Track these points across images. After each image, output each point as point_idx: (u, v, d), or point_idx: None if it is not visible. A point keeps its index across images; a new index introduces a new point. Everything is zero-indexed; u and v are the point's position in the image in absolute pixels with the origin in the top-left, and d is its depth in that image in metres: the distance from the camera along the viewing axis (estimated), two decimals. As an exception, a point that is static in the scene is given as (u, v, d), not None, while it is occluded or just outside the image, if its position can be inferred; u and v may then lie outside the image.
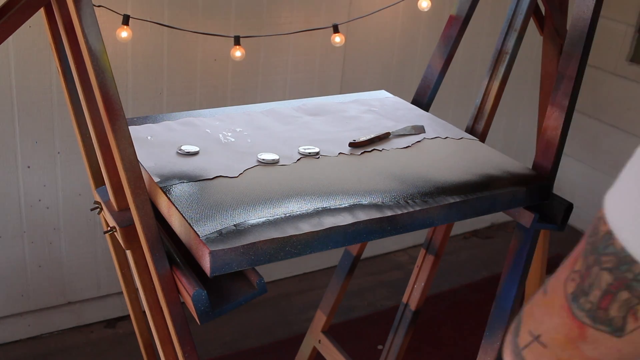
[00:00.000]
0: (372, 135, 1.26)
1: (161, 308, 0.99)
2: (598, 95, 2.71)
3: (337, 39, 2.02)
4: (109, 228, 1.04)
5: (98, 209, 1.09)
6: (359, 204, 1.02)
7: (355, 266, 1.57)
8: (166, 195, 0.99)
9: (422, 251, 1.48)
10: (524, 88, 2.65)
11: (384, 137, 1.28)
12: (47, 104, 1.83)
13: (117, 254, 1.22)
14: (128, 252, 1.03)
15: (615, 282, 0.49)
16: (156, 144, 1.16)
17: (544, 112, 1.51)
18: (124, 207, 0.99)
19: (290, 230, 0.93)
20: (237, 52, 1.90)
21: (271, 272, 2.40)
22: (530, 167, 1.25)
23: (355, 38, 2.23)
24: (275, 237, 0.91)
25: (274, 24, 2.06)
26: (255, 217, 0.95)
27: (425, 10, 2.21)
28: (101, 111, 0.89)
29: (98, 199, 1.09)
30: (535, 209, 1.21)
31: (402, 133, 1.31)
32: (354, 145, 1.23)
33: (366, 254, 2.50)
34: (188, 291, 0.91)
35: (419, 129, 1.30)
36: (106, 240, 1.66)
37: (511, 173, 1.19)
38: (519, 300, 1.27)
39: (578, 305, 0.51)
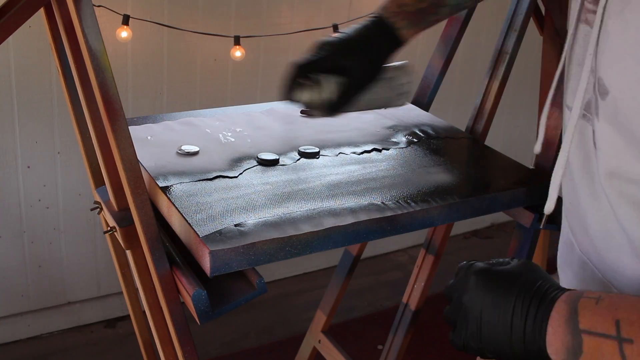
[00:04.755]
0: None
1: (161, 308, 0.99)
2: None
3: (337, 39, 2.02)
4: (109, 228, 1.04)
5: (98, 209, 1.09)
6: (359, 204, 1.02)
7: (355, 266, 1.57)
8: (166, 195, 0.99)
9: (422, 251, 1.48)
10: (524, 88, 2.65)
11: None
12: (47, 104, 1.83)
13: (117, 254, 1.22)
14: (128, 252, 1.03)
15: None
16: (156, 144, 1.16)
17: (544, 112, 1.50)
18: (124, 207, 0.99)
19: (290, 230, 0.93)
20: (237, 52, 1.90)
21: (271, 272, 2.40)
22: (530, 167, 1.25)
23: (355, 38, 2.22)
24: (275, 237, 0.91)
25: (274, 24, 2.05)
26: (255, 217, 0.95)
27: (425, 10, 2.20)
28: (101, 111, 0.89)
29: (98, 199, 1.09)
30: (535, 209, 1.21)
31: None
32: (306, 112, 1.33)
33: (366, 254, 2.50)
34: (188, 291, 0.91)
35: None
36: (106, 240, 1.66)
37: (511, 173, 1.19)
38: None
39: None
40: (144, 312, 1.08)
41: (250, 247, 0.89)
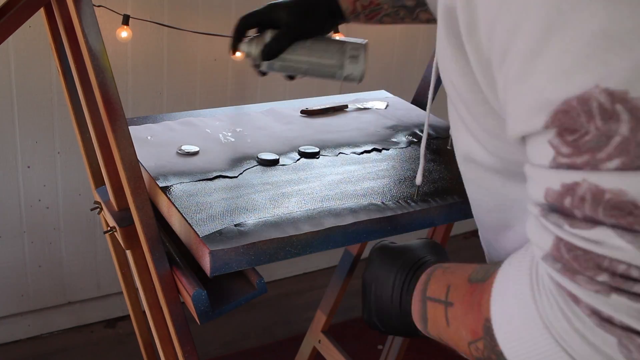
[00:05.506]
0: (327, 106, 1.38)
1: (161, 308, 0.99)
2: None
3: (337, 39, 2.02)
4: (109, 228, 1.04)
5: (98, 209, 1.10)
6: (359, 204, 1.02)
7: (355, 266, 1.57)
8: (166, 195, 0.99)
9: (422, 251, 1.47)
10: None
11: (339, 109, 1.38)
12: (47, 104, 1.83)
13: (117, 254, 1.22)
14: (128, 252, 1.03)
15: None
16: (156, 144, 1.16)
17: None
18: (124, 207, 0.99)
19: (290, 230, 0.93)
20: (237, 52, 1.90)
21: (271, 272, 2.40)
22: (530, 167, 1.25)
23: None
24: (275, 237, 0.91)
25: (274, 24, 2.05)
26: (255, 217, 0.95)
27: (425, 10, 2.20)
28: (101, 111, 0.89)
29: (98, 199, 1.09)
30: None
31: (359, 106, 1.41)
32: (305, 112, 1.35)
33: (366, 254, 2.50)
34: (188, 291, 0.91)
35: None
36: (106, 240, 1.66)
37: (511, 173, 1.19)
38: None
39: None
40: (144, 312, 1.08)
41: (250, 247, 0.89)
